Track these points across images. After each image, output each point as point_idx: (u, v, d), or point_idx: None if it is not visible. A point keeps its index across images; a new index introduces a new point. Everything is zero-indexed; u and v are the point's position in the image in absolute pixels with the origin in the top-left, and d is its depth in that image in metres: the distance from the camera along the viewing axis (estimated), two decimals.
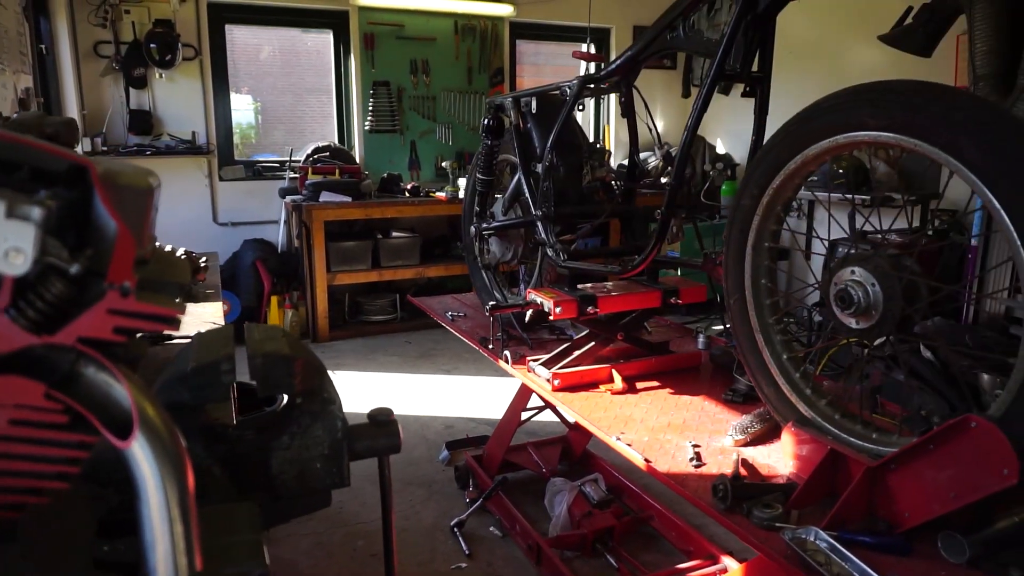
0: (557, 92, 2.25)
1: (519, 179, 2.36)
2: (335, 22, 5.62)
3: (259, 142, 5.79)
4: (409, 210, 5.32)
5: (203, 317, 1.83)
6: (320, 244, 5.03)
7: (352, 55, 5.64)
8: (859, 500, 1.31)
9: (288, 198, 5.30)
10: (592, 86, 2.18)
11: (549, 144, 2.20)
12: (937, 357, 3.52)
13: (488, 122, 2.45)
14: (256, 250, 5.27)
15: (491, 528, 2.73)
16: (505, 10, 5.93)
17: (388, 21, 5.67)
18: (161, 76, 5.04)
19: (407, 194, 5.43)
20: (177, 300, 0.55)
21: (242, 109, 5.68)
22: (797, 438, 1.49)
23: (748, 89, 1.74)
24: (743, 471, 1.52)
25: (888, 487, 1.30)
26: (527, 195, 2.29)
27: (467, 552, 2.59)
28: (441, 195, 5.38)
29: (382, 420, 0.90)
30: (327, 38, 5.71)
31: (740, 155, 6.26)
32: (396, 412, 3.37)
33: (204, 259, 2.21)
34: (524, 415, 2.86)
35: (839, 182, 4.89)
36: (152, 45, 4.89)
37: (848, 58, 5.30)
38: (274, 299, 5.15)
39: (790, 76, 5.81)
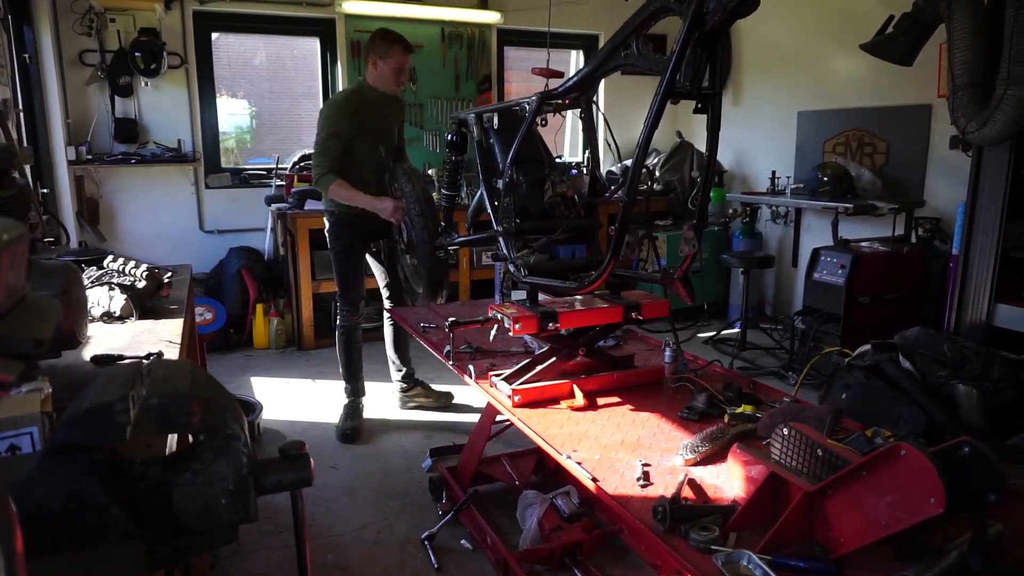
0: (518, 108, 2.26)
1: (482, 194, 2.36)
2: (322, 30, 5.63)
3: (254, 147, 5.82)
4: None
5: (161, 335, 1.83)
6: (305, 252, 5.03)
7: (339, 63, 5.65)
8: (796, 524, 1.31)
9: (274, 206, 5.30)
10: (552, 102, 2.18)
11: (509, 160, 2.20)
12: (916, 367, 3.52)
13: (451, 137, 2.47)
14: (242, 258, 5.27)
15: (462, 541, 2.73)
16: (492, 17, 5.93)
17: (375, 29, 5.66)
18: (147, 84, 5.05)
19: None
20: (36, 350, 0.55)
21: (239, 114, 5.71)
22: (741, 459, 1.49)
23: (700, 106, 1.74)
24: (689, 491, 1.52)
25: (825, 512, 1.30)
26: (489, 210, 2.30)
27: (436, 566, 2.59)
28: None
29: (292, 454, 0.90)
30: (314, 45, 5.72)
31: (728, 161, 6.26)
32: (377, 421, 3.37)
33: (169, 274, 2.21)
34: (497, 427, 2.86)
35: (823, 190, 4.89)
36: (137, 54, 4.90)
37: (832, 66, 5.31)
38: (259, 307, 5.15)
39: (776, 84, 5.82)
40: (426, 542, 2.69)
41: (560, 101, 2.19)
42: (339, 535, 2.79)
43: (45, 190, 4.60)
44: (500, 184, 2.23)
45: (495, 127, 2.32)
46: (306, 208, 4.99)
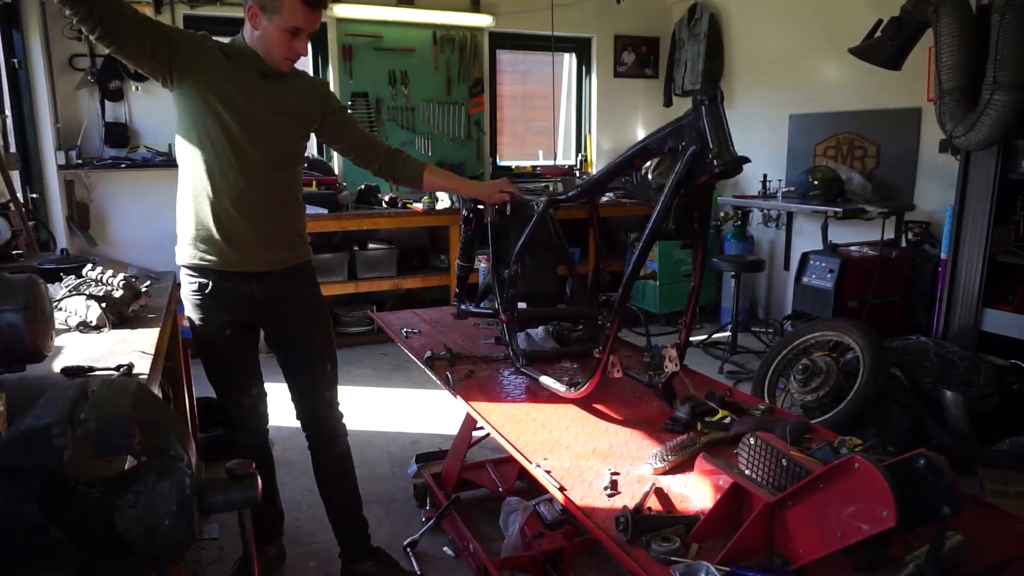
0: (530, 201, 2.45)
1: (490, 275, 2.54)
2: (313, 33, 5.62)
3: None
4: (386, 222, 5.33)
5: (135, 345, 1.84)
6: None
7: (330, 66, 5.66)
8: (757, 535, 1.31)
9: None
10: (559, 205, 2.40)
11: (515, 254, 2.37)
12: (904, 373, 3.53)
13: (466, 214, 2.64)
14: None
15: (444, 548, 2.74)
16: (484, 20, 5.93)
17: (366, 32, 5.69)
18: (137, 89, 5.06)
19: (385, 205, 5.44)
20: None
21: None
22: (706, 469, 1.49)
23: (688, 243, 1.88)
24: (655, 501, 1.53)
25: (785, 523, 1.30)
26: (496, 292, 2.48)
27: (418, 572, 2.59)
28: (418, 206, 5.39)
29: (239, 474, 0.91)
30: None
31: None
32: (364, 427, 3.37)
33: (148, 282, 2.21)
34: (479, 433, 2.86)
35: (814, 193, 4.89)
36: None
37: (822, 70, 5.31)
38: None
39: (767, 87, 5.83)
40: (408, 549, 2.70)
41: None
42: (321, 542, 2.79)
43: (35, 195, 4.61)
44: (507, 274, 2.39)
45: (507, 212, 2.47)
46: None
